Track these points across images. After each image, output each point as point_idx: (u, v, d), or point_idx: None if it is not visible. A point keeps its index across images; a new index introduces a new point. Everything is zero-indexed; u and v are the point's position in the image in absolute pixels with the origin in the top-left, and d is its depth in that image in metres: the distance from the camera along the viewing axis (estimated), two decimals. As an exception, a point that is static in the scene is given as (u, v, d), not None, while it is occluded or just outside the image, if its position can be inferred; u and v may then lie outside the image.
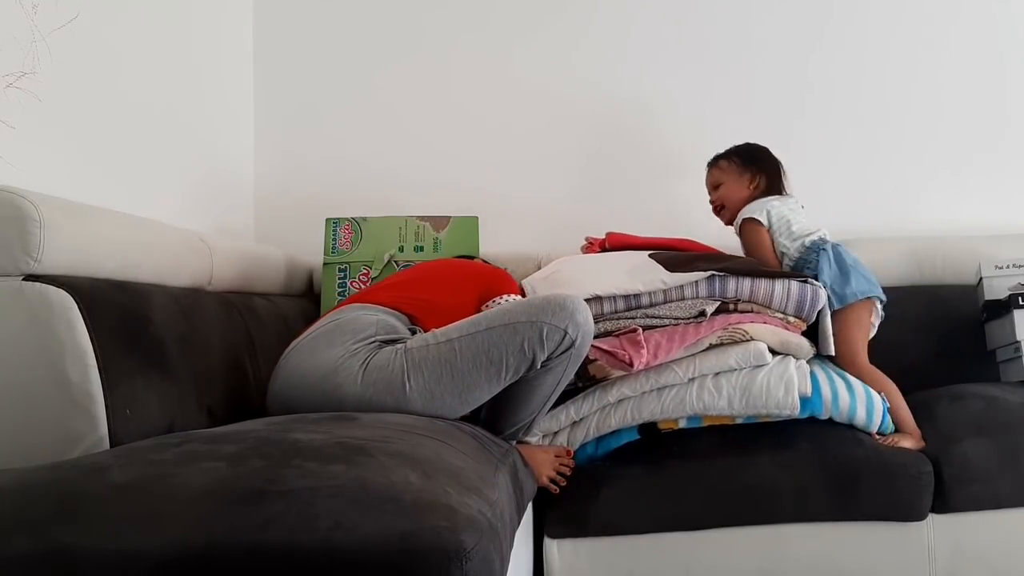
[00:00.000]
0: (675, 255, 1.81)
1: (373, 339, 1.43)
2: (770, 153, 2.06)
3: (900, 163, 2.44)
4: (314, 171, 2.47)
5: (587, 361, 1.60)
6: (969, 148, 2.43)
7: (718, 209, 2.08)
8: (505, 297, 1.66)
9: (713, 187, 2.09)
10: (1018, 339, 1.85)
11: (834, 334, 1.78)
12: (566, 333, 1.36)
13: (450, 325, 1.42)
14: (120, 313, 1.24)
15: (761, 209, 1.96)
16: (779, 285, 1.71)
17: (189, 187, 2.03)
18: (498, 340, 1.36)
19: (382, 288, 1.67)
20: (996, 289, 1.97)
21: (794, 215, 1.95)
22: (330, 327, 1.47)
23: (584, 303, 1.41)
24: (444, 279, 1.72)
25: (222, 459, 0.91)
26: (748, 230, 1.97)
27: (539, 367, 1.38)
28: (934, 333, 2.11)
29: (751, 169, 2.03)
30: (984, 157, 2.43)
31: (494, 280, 1.74)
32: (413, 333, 1.50)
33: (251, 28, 2.46)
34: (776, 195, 2.00)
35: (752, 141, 2.08)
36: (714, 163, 2.10)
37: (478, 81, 2.47)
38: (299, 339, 1.49)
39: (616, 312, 1.73)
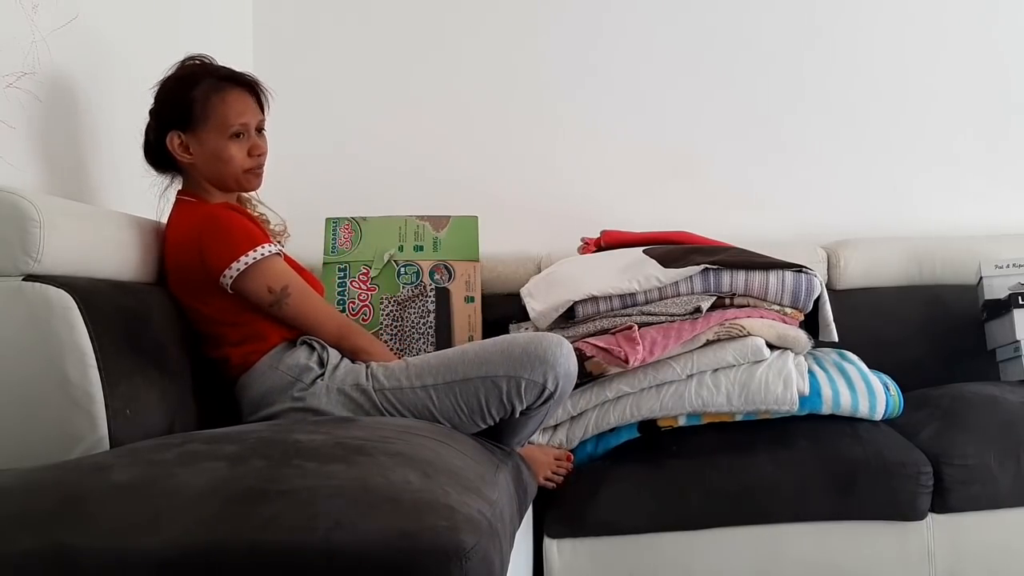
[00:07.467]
0: (670, 249, 1.81)
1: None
2: None
3: (900, 163, 2.44)
4: (314, 171, 2.46)
5: (584, 358, 1.60)
6: (969, 148, 2.43)
7: None
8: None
9: None
10: (1018, 339, 1.85)
11: None
12: (545, 387, 1.34)
13: (422, 360, 1.40)
14: (120, 313, 1.24)
15: None
16: (773, 277, 1.70)
17: (189, 187, 2.02)
18: (475, 391, 1.34)
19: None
20: (996, 289, 1.97)
21: None
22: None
23: (569, 347, 1.38)
24: None
25: (223, 459, 0.91)
26: None
27: (519, 415, 1.38)
28: (934, 333, 2.10)
29: None
30: (984, 157, 2.43)
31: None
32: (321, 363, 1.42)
33: (251, 28, 2.45)
34: None
35: None
36: None
37: (477, 80, 2.47)
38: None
39: (612, 310, 1.72)
